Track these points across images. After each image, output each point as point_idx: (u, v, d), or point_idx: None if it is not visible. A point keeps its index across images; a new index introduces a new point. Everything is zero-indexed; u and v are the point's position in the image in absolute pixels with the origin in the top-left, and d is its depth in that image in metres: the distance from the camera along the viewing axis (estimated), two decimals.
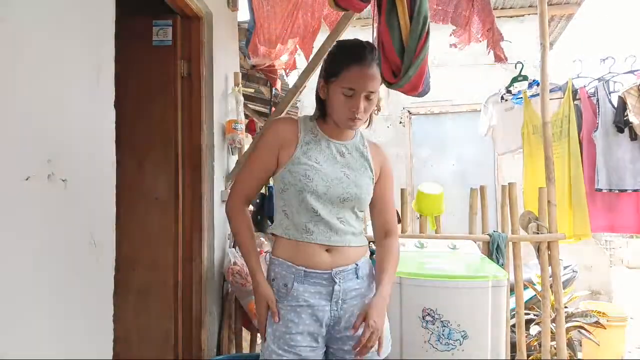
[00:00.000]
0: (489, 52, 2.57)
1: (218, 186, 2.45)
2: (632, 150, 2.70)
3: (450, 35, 2.64)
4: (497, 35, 2.49)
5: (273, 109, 3.74)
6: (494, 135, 3.59)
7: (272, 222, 2.46)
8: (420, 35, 1.27)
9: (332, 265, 1.29)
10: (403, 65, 1.28)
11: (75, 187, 1.23)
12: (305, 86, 2.48)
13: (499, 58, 2.55)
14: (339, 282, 1.29)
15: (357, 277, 1.33)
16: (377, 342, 1.22)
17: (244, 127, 2.66)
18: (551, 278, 2.29)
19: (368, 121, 1.38)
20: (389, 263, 1.36)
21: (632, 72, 2.76)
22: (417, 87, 1.32)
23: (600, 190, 2.75)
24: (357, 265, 1.33)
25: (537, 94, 2.92)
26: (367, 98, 1.27)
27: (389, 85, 1.31)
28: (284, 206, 1.34)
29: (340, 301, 1.29)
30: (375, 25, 1.41)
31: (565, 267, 3.22)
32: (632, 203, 2.79)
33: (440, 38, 3.76)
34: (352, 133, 1.39)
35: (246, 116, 4.03)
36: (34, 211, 1.09)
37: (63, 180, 1.18)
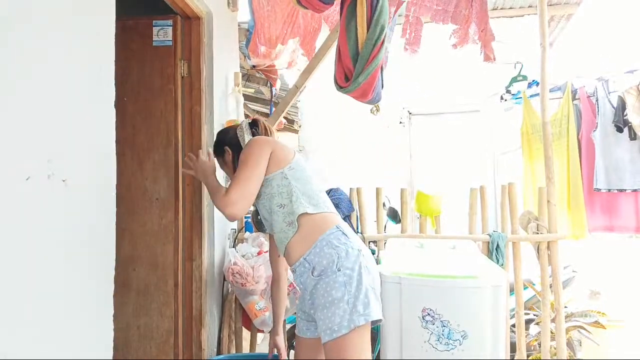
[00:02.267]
0: (481, 52, 2.58)
1: None
2: (632, 150, 2.70)
3: (450, 37, 2.65)
4: (489, 35, 2.50)
5: (274, 109, 3.74)
6: (494, 135, 3.59)
7: None
8: (375, 43, 1.29)
9: (290, 266, 1.57)
10: (355, 71, 1.29)
11: (75, 187, 1.23)
12: (305, 86, 2.48)
13: (488, 57, 2.57)
14: (297, 279, 1.52)
15: (308, 269, 1.44)
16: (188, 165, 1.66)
17: None
18: (551, 278, 2.29)
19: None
20: None
21: (631, 72, 2.76)
22: (366, 94, 1.33)
23: (599, 190, 2.75)
24: (305, 258, 1.45)
25: (537, 94, 2.92)
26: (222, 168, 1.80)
27: (340, 88, 1.33)
28: None
29: (302, 293, 1.55)
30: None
31: (565, 267, 3.22)
32: (631, 203, 2.78)
33: (440, 38, 3.77)
34: None
35: (246, 116, 4.03)
36: (34, 211, 1.09)
37: (63, 180, 1.19)
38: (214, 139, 1.81)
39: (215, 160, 1.73)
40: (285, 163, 1.54)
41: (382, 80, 1.41)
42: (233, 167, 1.69)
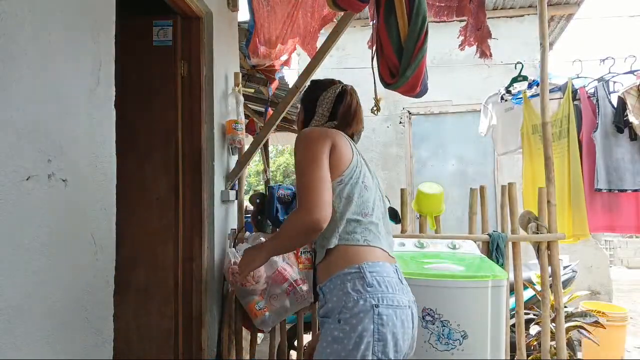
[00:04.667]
0: (477, 51, 2.57)
1: (218, 186, 2.45)
2: (632, 151, 2.70)
3: (458, 36, 2.61)
4: (486, 32, 2.48)
5: (270, 110, 3.74)
6: (494, 135, 3.59)
7: (271, 222, 2.48)
8: (419, 35, 1.26)
9: None
10: (401, 66, 1.27)
11: (75, 187, 1.23)
12: (305, 86, 2.48)
13: (484, 54, 2.55)
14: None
15: (322, 300, 1.20)
16: (238, 280, 1.47)
17: (244, 127, 2.66)
18: (551, 278, 2.29)
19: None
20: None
21: (631, 72, 2.76)
22: (415, 87, 1.31)
23: (600, 190, 2.75)
24: (321, 288, 1.21)
25: (537, 94, 2.92)
26: None
27: (387, 85, 1.31)
28: None
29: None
30: (374, 25, 1.41)
31: (565, 267, 3.22)
32: (632, 203, 2.78)
33: (440, 38, 3.76)
34: None
35: (246, 116, 4.03)
36: (34, 211, 1.09)
37: (63, 180, 1.19)
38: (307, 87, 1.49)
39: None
40: (337, 174, 1.24)
41: (427, 72, 1.39)
42: (299, 126, 1.48)
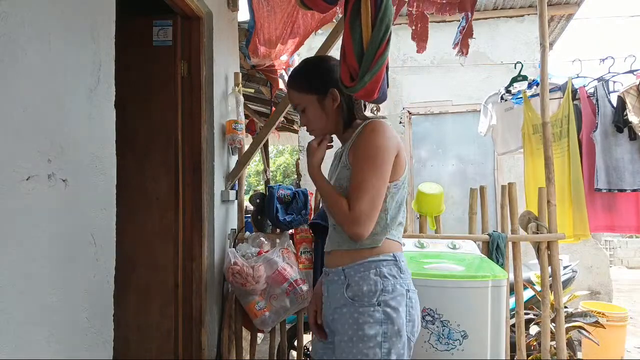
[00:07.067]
0: (457, 48, 2.57)
1: (218, 186, 2.45)
2: (632, 150, 2.69)
3: (455, 37, 2.60)
4: (469, 30, 2.48)
5: (273, 108, 3.75)
6: (494, 135, 3.59)
7: (271, 222, 2.48)
8: (381, 42, 1.27)
9: (326, 266, 1.35)
10: (360, 70, 1.28)
11: (75, 187, 1.23)
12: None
13: (460, 52, 2.56)
14: (326, 283, 1.32)
15: (342, 282, 1.24)
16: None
17: (244, 127, 2.66)
18: (551, 278, 2.29)
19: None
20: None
21: (631, 71, 2.76)
22: (372, 93, 1.32)
23: (600, 190, 2.75)
24: (343, 269, 1.25)
25: (537, 94, 2.92)
26: (302, 111, 1.37)
27: (346, 88, 1.31)
28: None
29: (325, 300, 1.33)
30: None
31: (565, 267, 3.22)
32: (632, 203, 2.78)
33: (440, 38, 3.77)
34: (350, 135, 1.34)
35: (246, 116, 4.04)
36: (34, 211, 1.09)
37: (63, 180, 1.19)
38: (308, 69, 1.39)
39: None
40: (394, 178, 1.26)
41: (387, 80, 1.40)
42: (332, 116, 1.36)
